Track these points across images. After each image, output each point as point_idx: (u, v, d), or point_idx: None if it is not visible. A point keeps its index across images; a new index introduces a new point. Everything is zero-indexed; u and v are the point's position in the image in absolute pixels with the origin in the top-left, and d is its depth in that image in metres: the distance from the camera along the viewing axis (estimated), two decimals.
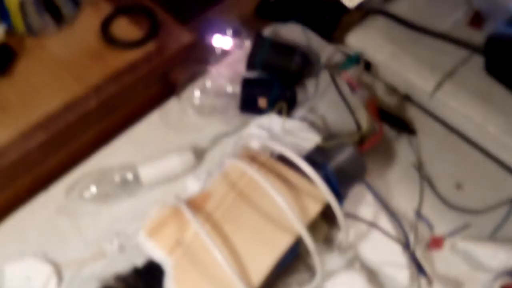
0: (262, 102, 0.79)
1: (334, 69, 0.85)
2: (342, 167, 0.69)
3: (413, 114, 0.84)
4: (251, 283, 0.59)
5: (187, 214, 0.61)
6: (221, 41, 0.87)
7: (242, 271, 0.59)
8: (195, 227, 0.60)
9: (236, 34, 0.87)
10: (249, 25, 0.90)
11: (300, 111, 0.82)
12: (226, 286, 0.58)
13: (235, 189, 0.65)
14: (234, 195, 0.65)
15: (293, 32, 0.90)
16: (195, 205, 0.64)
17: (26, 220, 0.73)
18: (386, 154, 0.80)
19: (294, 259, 0.67)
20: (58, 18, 0.83)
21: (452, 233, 0.72)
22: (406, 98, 0.86)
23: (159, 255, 0.61)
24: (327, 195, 0.62)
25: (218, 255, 0.57)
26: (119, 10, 0.86)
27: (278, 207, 0.60)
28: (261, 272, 0.59)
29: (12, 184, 0.75)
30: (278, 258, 0.60)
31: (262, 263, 0.60)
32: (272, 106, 0.78)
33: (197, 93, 0.81)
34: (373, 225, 0.71)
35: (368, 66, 0.87)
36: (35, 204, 0.74)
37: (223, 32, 0.87)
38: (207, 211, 0.63)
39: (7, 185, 0.75)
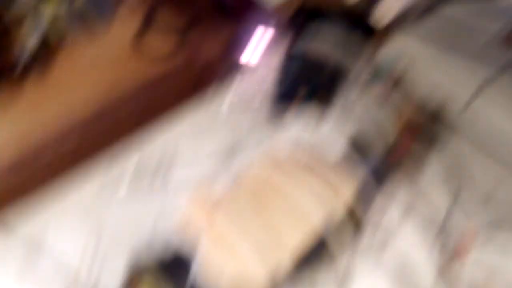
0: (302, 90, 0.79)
1: (365, 82, 0.85)
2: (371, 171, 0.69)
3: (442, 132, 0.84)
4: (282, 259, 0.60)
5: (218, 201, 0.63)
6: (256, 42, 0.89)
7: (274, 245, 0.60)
8: (227, 210, 0.62)
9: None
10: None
11: (330, 122, 0.82)
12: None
13: (266, 184, 0.66)
14: (263, 188, 0.66)
15: (325, 44, 0.91)
16: (225, 197, 0.65)
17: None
18: (414, 166, 0.79)
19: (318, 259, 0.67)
20: (92, 29, 0.86)
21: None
22: (436, 116, 0.85)
23: (190, 242, 0.62)
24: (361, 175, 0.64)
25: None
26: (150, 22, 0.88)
27: (309, 197, 0.61)
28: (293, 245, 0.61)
29: (47, 184, 0.77)
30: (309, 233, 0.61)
31: (295, 236, 0.61)
32: (310, 98, 0.79)
33: (225, 104, 0.82)
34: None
35: (398, 80, 0.87)
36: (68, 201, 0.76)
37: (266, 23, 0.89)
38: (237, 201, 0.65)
39: (42, 185, 0.76)
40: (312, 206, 0.63)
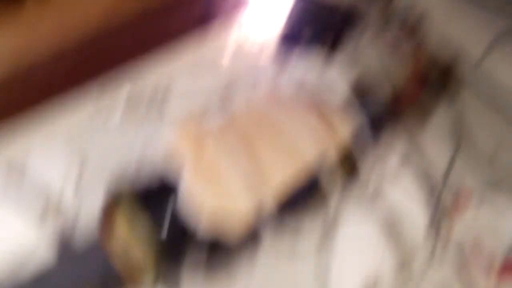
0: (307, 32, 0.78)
1: (378, 28, 0.82)
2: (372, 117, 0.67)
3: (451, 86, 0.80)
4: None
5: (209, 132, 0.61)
6: None
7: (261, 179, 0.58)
8: (216, 141, 0.60)
9: None
10: None
11: (336, 66, 0.79)
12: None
13: (262, 119, 0.64)
14: (259, 123, 0.64)
15: None
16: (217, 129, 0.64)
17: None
18: (418, 117, 0.76)
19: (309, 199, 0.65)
20: None
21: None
22: (447, 68, 0.82)
23: (175, 172, 0.59)
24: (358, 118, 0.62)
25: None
26: None
27: (305, 134, 0.61)
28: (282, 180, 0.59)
29: (37, 107, 0.74)
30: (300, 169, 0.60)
31: (285, 172, 0.60)
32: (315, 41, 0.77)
33: (232, 37, 0.81)
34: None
35: (412, 29, 0.84)
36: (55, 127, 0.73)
37: None
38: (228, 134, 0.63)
39: (30, 107, 0.74)
40: (307, 143, 0.61)
